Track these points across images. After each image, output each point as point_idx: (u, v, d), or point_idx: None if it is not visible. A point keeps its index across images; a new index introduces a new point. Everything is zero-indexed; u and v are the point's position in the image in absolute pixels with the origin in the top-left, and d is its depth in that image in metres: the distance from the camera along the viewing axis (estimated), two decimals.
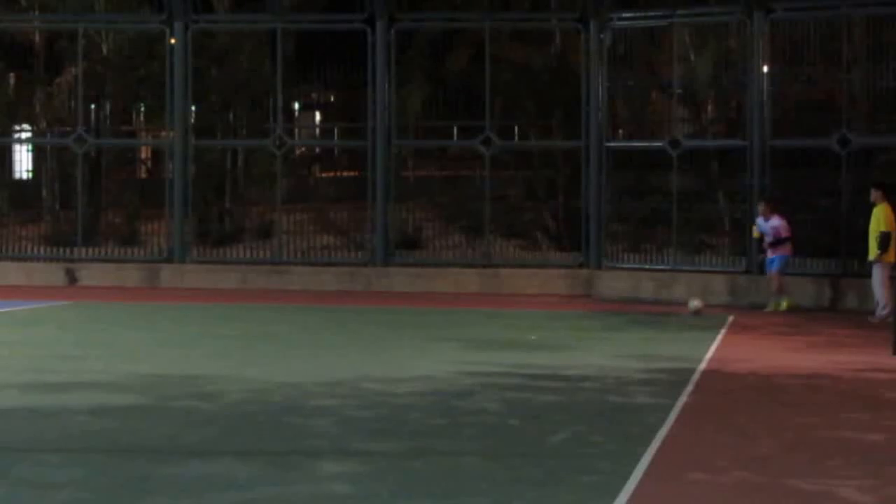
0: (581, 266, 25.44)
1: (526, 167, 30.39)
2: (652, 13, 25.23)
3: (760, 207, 22.58)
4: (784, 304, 21.93)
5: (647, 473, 9.16)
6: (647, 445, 10.12)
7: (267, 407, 11.93)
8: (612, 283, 24.64)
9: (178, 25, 26.56)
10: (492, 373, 14.28)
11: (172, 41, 26.67)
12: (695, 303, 21.36)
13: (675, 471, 9.36)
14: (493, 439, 10.51)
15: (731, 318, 20.75)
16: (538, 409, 12.06)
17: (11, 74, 32.20)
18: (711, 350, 16.72)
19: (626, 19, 25.29)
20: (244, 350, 16.46)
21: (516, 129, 29.51)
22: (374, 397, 12.56)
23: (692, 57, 26.58)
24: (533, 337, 18.15)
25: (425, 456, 9.84)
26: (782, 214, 22.35)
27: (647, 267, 24.74)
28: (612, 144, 25.39)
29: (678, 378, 13.97)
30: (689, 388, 13.37)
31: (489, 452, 9.94)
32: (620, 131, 27.69)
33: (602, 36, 25.24)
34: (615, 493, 8.49)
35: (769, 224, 22.24)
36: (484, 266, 26.06)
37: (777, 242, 22.16)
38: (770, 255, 22.26)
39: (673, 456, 9.86)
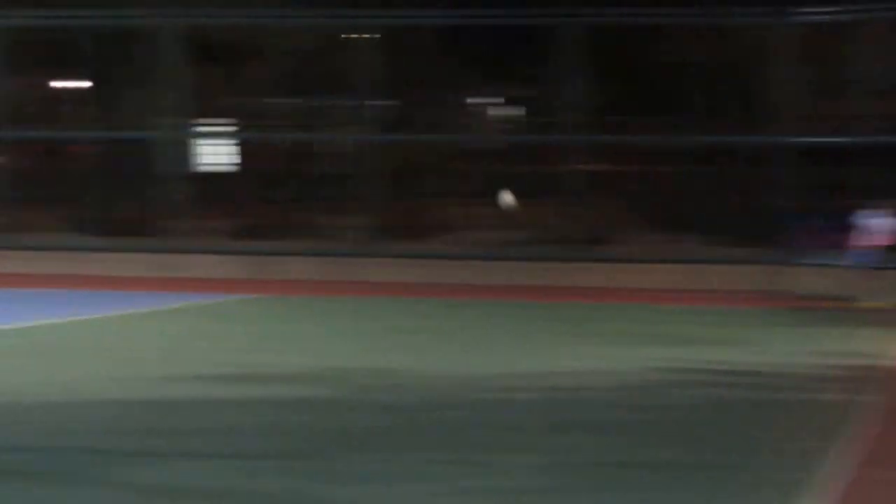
0: (775, 263, 25.12)
1: (713, 163, 30.07)
2: (845, 7, 24.77)
3: None
4: None
5: (836, 472, 9.03)
6: (837, 443, 9.98)
7: (456, 402, 11.98)
8: (806, 278, 24.27)
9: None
10: (682, 369, 14.23)
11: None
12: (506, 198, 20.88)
13: (865, 469, 9.23)
14: (681, 436, 10.48)
15: None
16: (727, 406, 11.98)
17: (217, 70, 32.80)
18: None
19: (816, 13, 24.88)
20: (430, 345, 16.67)
21: (704, 124, 29.22)
22: (562, 393, 12.58)
23: (886, 51, 26.04)
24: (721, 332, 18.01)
25: (618, 451, 9.82)
26: None
27: (839, 263, 24.29)
28: (802, 139, 25.02)
29: (869, 375, 13.77)
30: (881, 385, 13.17)
31: (679, 448, 9.93)
32: (810, 126, 27.25)
33: (792, 30, 24.88)
34: (804, 492, 8.37)
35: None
36: (675, 261, 25.90)
37: None
38: None
39: (863, 454, 9.72)
